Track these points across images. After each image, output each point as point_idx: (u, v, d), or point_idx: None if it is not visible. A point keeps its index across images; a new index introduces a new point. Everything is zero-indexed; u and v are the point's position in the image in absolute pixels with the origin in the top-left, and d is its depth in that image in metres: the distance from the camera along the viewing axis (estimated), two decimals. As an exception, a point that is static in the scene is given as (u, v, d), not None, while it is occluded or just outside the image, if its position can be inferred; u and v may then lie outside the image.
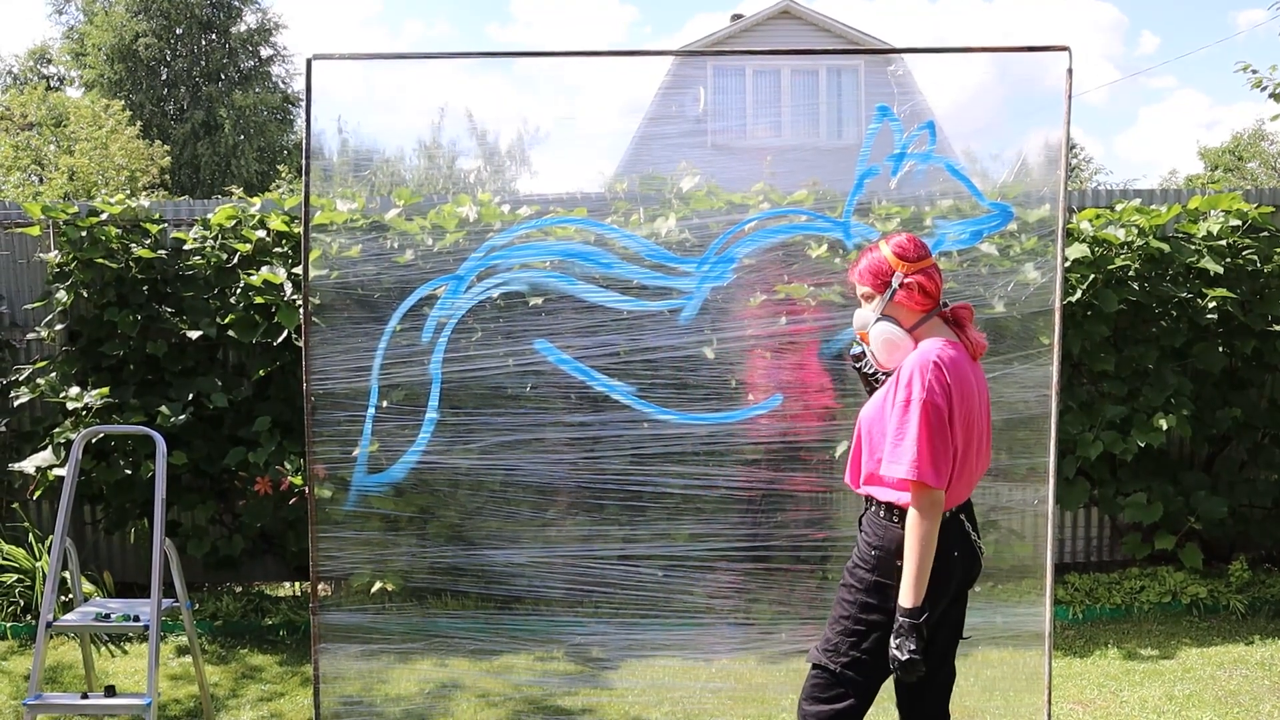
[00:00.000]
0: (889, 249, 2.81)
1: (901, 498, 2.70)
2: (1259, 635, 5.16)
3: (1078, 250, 5.46)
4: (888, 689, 2.84)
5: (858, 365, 3.13)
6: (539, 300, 4.75)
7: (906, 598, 2.60)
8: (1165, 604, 5.52)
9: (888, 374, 2.85)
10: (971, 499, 2.88)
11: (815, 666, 2.84)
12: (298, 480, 5.30)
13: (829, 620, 2.86)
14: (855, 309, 2.96)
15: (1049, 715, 3.78)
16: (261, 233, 5.70)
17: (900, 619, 2.61)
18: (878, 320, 2.81)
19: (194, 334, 5.56)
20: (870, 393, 3.02)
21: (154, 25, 28.94)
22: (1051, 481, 3.79)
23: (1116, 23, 58.07)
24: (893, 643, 2.61)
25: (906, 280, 2.77)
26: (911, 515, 2.62)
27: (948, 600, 2.78)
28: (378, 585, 4.98)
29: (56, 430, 5.48)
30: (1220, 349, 5.70)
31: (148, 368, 5.72)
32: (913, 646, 2.57)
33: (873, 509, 2.82)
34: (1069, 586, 5.63)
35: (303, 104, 3.67)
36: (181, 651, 5.13)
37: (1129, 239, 5.58)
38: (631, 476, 4.35)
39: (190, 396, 5.55)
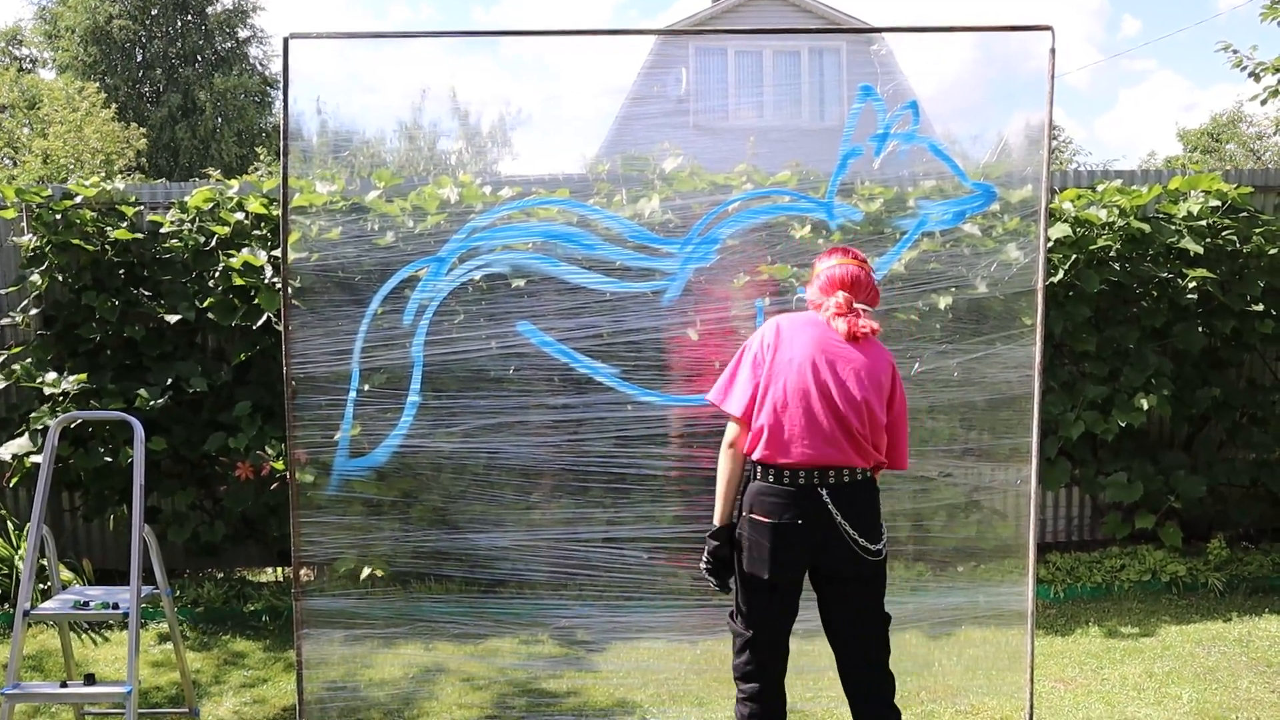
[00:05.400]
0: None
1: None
2: (1236, 612, 5.22)
3: (1060, 230, 5.47)
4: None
5: None
6: (521, 282, 4.71)
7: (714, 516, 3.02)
8: (1145, 582, 5.57)
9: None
10: (852, 485, 2.95)
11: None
12: (279, 465, 5.26)
13: None
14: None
15: (1031, 693, 3.81)
16: (240, 215, 5.63)
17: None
18: None
19: (172, 318, 5.50)
20: None
21: (128, 6, 28.48)
22: (1034, 461, 3.80)
23: (1099, 6, 58.24)
24: None
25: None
26: None
27: (788, 566, 2.90)
28: (362, 570, 4.96)
29: (33, 416, 5.42)
30: (1200, 329, 5.73)
31: (125, 352, 5.65)
32: (704, 558, 3.00)
33: None
34: (1051, 566, 5.67)
35: (281, 86, 3.61)
36: (163, 639, 5.10)
37: (1110, 219, 5.60)
38: (615, 459, 4.34)
39: (169, 381, 5.49)
